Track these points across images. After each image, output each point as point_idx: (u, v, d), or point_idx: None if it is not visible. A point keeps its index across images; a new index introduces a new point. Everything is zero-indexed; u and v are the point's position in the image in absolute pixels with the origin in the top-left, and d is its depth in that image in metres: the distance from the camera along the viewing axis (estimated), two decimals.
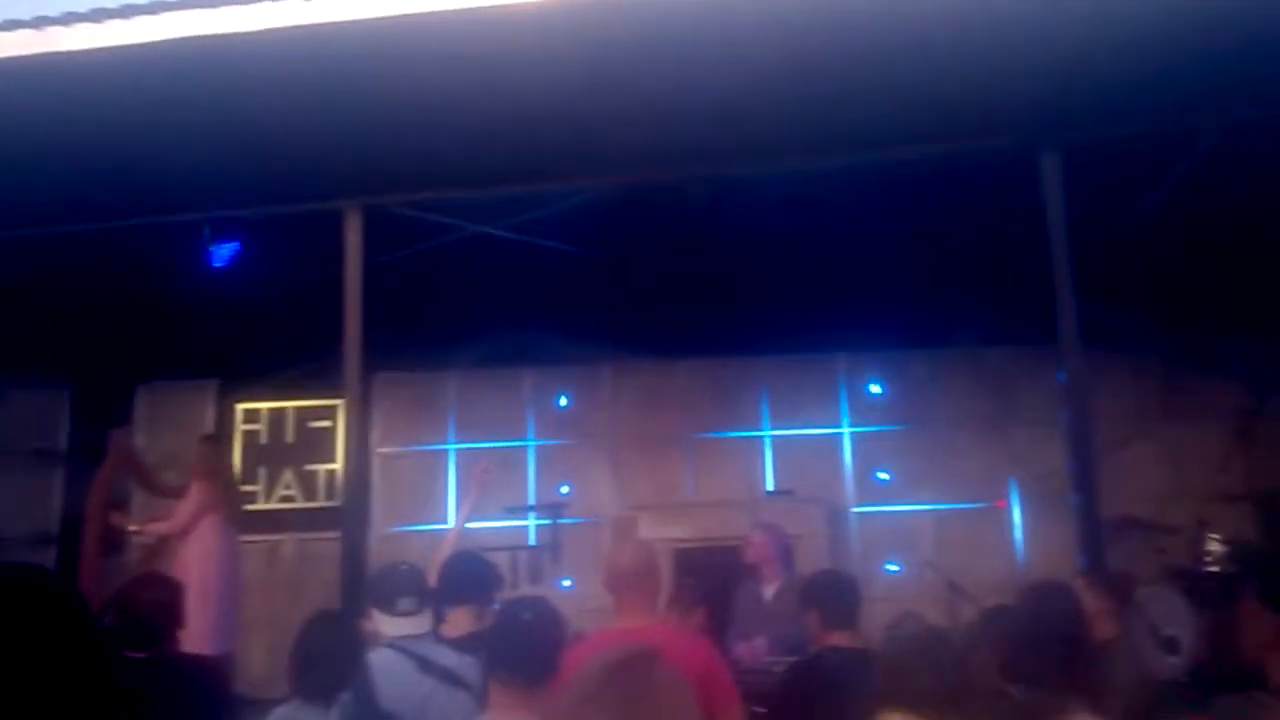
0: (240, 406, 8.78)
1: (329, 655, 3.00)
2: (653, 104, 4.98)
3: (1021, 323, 6.83)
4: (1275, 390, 7.06)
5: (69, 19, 4.24)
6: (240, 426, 8.75)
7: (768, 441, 8.48)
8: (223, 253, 6.13)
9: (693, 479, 8.43)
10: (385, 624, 3.52)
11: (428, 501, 8.45)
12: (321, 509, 8.41)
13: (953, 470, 8.18)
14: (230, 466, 7.91)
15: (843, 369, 8.54)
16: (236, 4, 4.19)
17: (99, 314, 7.39)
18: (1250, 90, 4.94)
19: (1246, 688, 2.64)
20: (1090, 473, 5.08)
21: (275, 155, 5.26)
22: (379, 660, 3.36)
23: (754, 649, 4.91)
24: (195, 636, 4.43)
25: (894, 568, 7.92)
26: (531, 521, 7.92)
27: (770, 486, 8.16)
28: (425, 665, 3.34)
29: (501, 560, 7.21)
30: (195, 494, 6.46)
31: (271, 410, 8.78)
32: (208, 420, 8.63)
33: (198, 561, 6.08)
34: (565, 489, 8.30)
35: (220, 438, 8.19)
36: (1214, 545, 6.42)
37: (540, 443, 8.60)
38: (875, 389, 8.47)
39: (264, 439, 8.73)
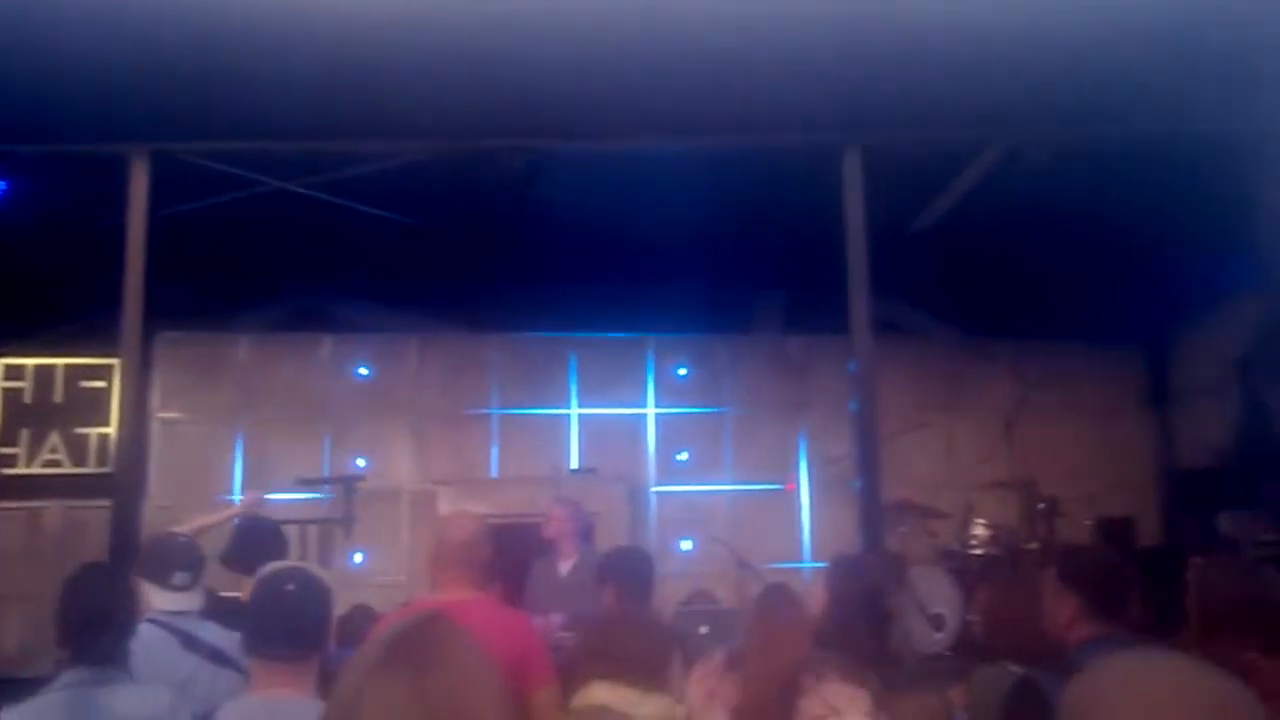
0: (1, 361, 8.01)
1: (108, 613, 2.73)
2: (475, 72, 4.87)
3: (819, 313, 7.15)
4: (1038, 388, 7.69)
5: None
6: (0, 383, 7.99)
7: (574, 419, 8.51)
8: None
9: (497, 455, 8.36)
10: (155, 597, 3.32)
11: (211, 473, 8.00)
12: (92, 475, 7.81)
13: (749, 453, 8.51)
14: None
15: (650, 350, 8.68)
16: None
17: None
18: (1035, 112, 5.36)
19: (999, 660, 2.86)
20: (873, 458, 5.37)
21: (59, 88, 4.80)
22: (140, 634, 3.15)
23: (549, 624, 4.91)
24: None
25: (688, 545, 8.14)
26: (324, 495, 7.62)
27: (574, 464, 8.20)
28: (190, 642, 3.21)
29: (291, 534, 6.95)
30: None
31: (38, 366, 8.07)
32: None
33: None
34: (362, 462, 8.05)
35: None
36: (979, 529, 6.93)
37: (338, 414, 8.31)
38: (681, 371, 8.66)
39: (28, 398, 8.03)
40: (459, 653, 1.39)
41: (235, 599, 3.75)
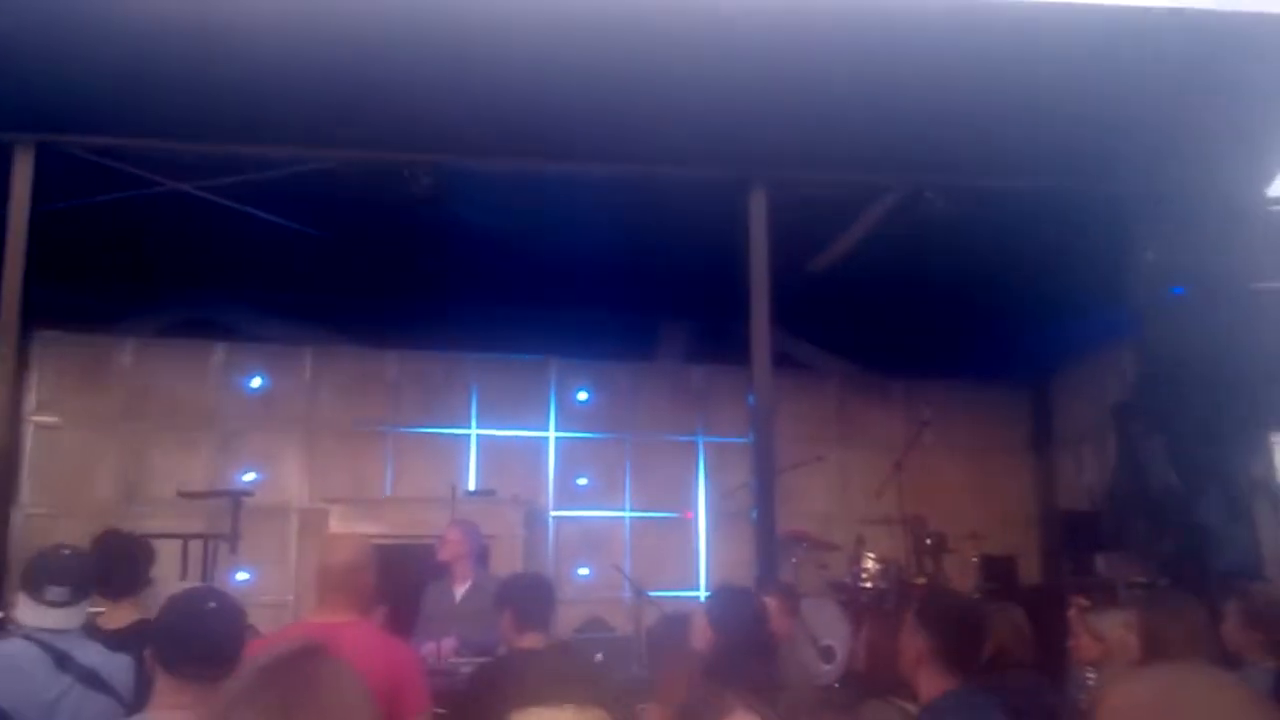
0: None
1: None
2: (386, 84, 4.82)
3: (720, 343, 7.24)
4: (929, 426, 7.91)
5: None
6: None
7: (473, 440, 8.41)
8: None
9: (392, 474, 8.19)
10: (28, 611, 3.11)
11: (89, 481, 7.64)
12: None
13: (648, 480, 8.52)
14: None
15: (552, 373, 8.64)
16: None
17: None
18: (936, 160, 5.56)
19: (888, 695, 2.91)
20: (770, 490, 5.44)
21: None
22: (6, 650, 2.97)
23: (441, 649, 4.81)
24: None
25: (585, 571, 8.09)
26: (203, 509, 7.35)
27: (471, 485, 8.09)
28: (63, 662, 2.99)
29: (173, 548, 6.68)
30: None
31: None
32: None
33: None
34: (251, 475, 7.80)
35: None
36: (869, 563, 7.07)
37: (226, 425, 8.04)
38: (582, 395, 8.64)
39: None
40: (330, 682, 1.35)
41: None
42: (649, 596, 6.49)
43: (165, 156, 5.49)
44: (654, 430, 8.66)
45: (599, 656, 5.21)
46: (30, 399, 7.57)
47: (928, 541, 7.28)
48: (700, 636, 3.58)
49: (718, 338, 7.35)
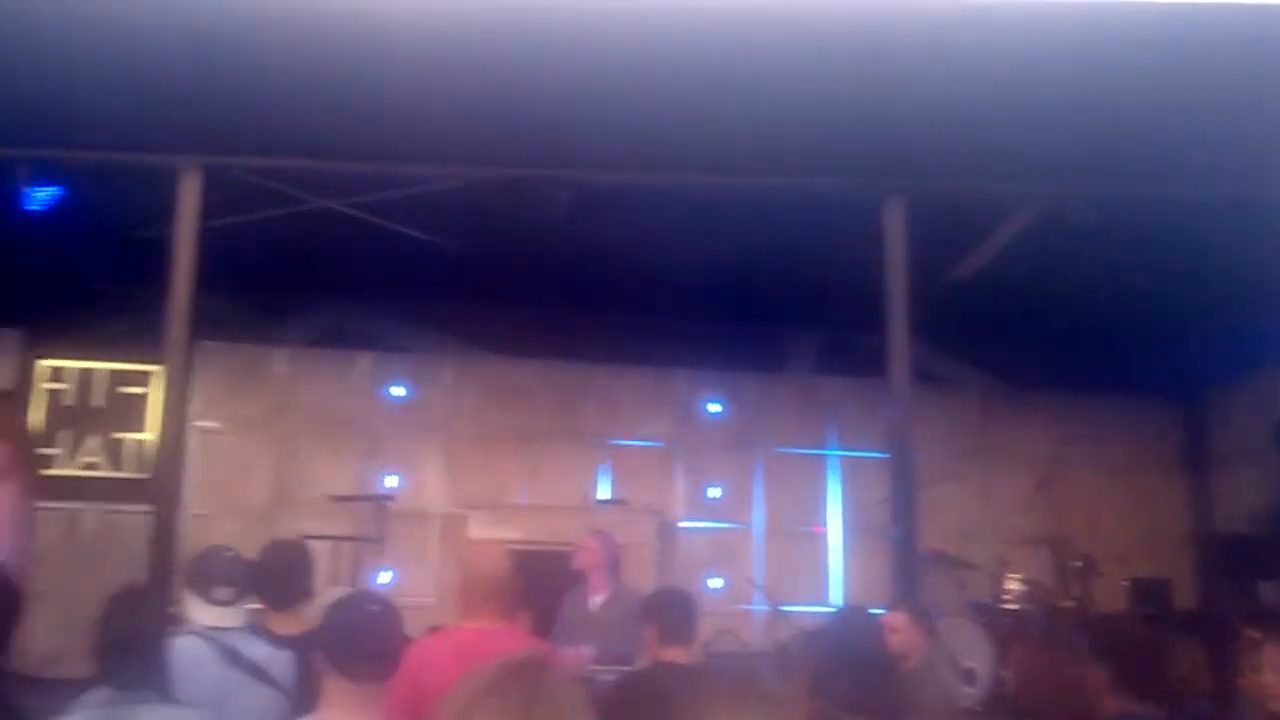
0: (44, 362, 8.14)
1: (140, 638, 2.77)
2: (522, 102, 4.92)
3: (851, 356, 7.12)
4: (1077, 442, 7.59)
5: None
6: (43, 384, 8.11)
7: (604, 449, 8.50)
8: (41, 195, 5.65)
9: (527, 481, 8.35)
10: (198, 610, 3.32)
11: (242, 484, 8.06)
12: (129, 480, 7.90)
13: (778, 493, 8.44)
14: (28, 427, 7.33)
15: (682, 384, 8.66)
16: None
17: None
18: (1081, 167, 5.34)
19: None
20: (910, 507, 5.30)
21: (115, 100, 4.89)
22: (181, 647, 3.16)
23: (579, 656, 4.88)
24: None
25: (717, 584, 8.07)
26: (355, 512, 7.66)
27: (603, 494, 8.18)
28: (232, 658, 3.18)
29: (323, 550, 6.99)
30: None
31: (81, 370, 8.18)
32: (5, 374, 7.95)
33: None
34: (394, 481, 8.08)
35: (18, 394, 7.57)
36: (1013, 584, 6.82)
37: (371, 431, 8.35)
38: (713, 407, 8.63)
39: (69, 400, 8.12)
40: (564, 689, 1.51)
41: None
42: (784, 611, 6.42)
43: (316, 176, 5.75)
44: (784, 443, 8.58)
45: (737, 672, 5.17)
46: (193, 404, 8.03)
47: (1075, 563, 6.98)
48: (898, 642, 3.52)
49: (849, 350, 7.24)
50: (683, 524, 8.34)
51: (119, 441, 8.08)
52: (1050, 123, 4.97)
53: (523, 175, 5.59)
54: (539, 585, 5.80)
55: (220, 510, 7.76)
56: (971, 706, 5.91)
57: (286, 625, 3.52)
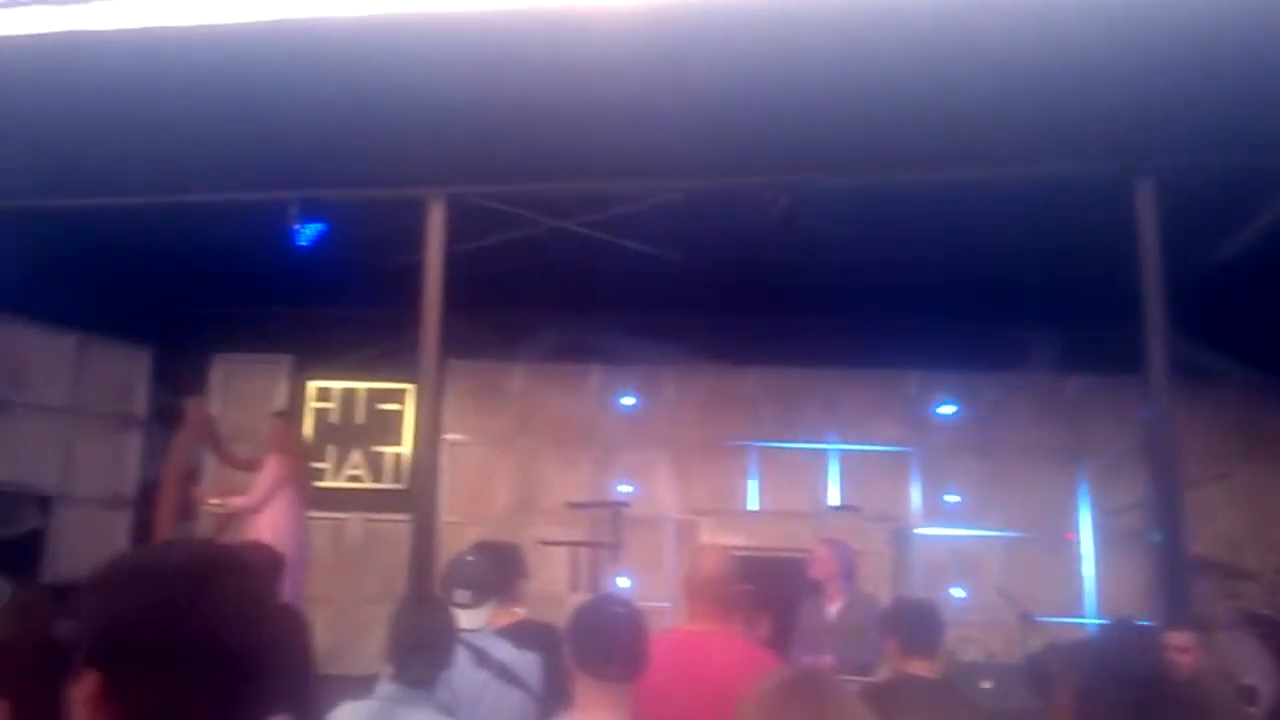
0: (312, 384, 8.93)
1: (430, 640, 3.00)
2: (735, 111, 4.95)
3: (1095, 353, 6.68)
4: None
5: None
6: (311, 404, 8.91)
7: (833, 455, 8.39)
8: (308, 232, 6.23)
9: (755, 487, 8.37)
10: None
11: (488, 493, 8.52)
12: (387, 491, 8.54)
13: (1021, 498, 8.03)
14: (304, 443, 8.07)
15: (914, 387, 8.42)
16: None
17: (185, 282, 7.61)
18: None
19: None
20: (1175, 511, 4.92)
21: (366, 142, 5.35)
22: None
23: (820, 665, 4.86)
24: None
25: (960, 593, 7.76)
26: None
27: (834, 501, 8.07)
28: (482, 658, 3.33)
29: (563, 555, 7.31)
30: (272, 468, 6.59)
31: (344, 390, 8.92)
32: (279, 395, 8.79)
33: (269, 535, 6.19)
34: (627, 488, 8.31)
35: (292, 413, 8.36)
36: None
37: (604, 441, 8.62)
38: (947, 409, 8.33)
39: (335, 418, 8.88)
40: (850, 700, 1.62)
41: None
42: (1036, 622, 6.11)
43: (543, 198, 6.03)
44: (1025, 445, 8.15)
45: (987, 684, 4.98)
46: (444, 419, 8.59)
47: None
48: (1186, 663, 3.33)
49: (1092, 347, 6.80)
50: (918, 530, 8.08)
51: (379, 455, 8.76)
52: None
53: (741, 183, 5.64)
54: (771, 590, 5.85)
55: (470, 518, 8.26)
56: None
57: (499, 619, 3.68)
